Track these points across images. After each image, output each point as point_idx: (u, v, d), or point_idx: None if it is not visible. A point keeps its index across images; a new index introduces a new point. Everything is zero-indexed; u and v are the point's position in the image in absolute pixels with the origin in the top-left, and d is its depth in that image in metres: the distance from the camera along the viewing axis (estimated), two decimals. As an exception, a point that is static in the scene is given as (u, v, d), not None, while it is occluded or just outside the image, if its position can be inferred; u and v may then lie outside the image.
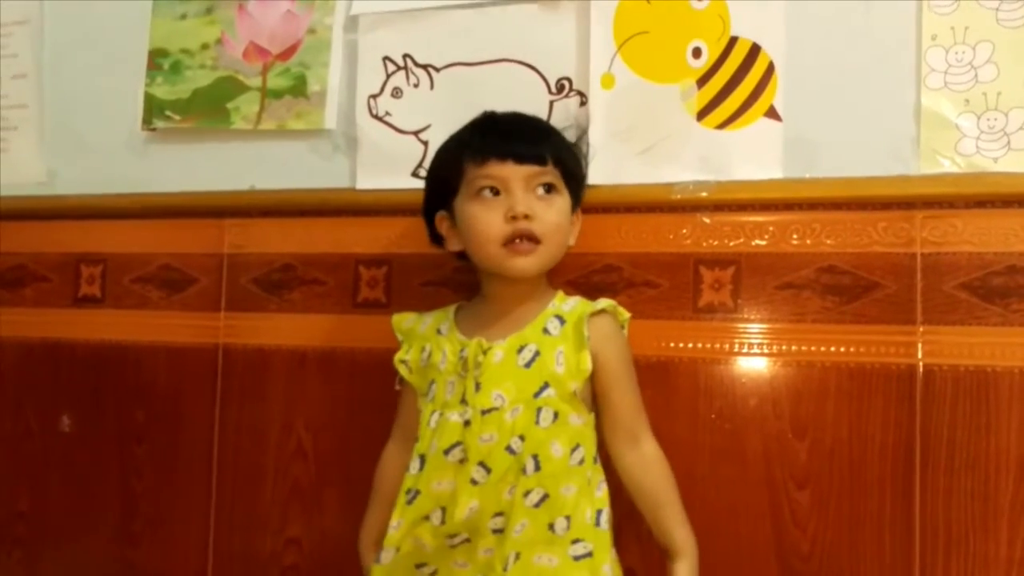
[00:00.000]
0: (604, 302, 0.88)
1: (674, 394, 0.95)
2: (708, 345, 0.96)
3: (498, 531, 0.83)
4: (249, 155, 1.15)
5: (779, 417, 0.93)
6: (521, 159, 0.85)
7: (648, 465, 0.87)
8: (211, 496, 1.13)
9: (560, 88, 1.03)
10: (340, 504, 1.07)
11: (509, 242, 0.84)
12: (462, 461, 0.83)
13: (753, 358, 0.95)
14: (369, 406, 1.06)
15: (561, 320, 0.87)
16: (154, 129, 1.20)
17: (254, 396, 1.12)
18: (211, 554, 1.13)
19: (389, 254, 1.08)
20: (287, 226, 1.13)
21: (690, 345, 0.97)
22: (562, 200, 0.88)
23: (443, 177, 0.89)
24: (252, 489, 1.12)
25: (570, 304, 0.89)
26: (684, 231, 0.98)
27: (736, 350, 0.95)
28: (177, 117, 1.18)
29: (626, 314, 0.90)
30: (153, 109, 1.19)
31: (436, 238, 0.93)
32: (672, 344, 0.97)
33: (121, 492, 1.17)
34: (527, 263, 0.85)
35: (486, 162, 0.85)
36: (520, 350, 0.85)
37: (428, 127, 1.07)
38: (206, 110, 1.17)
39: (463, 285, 1.01)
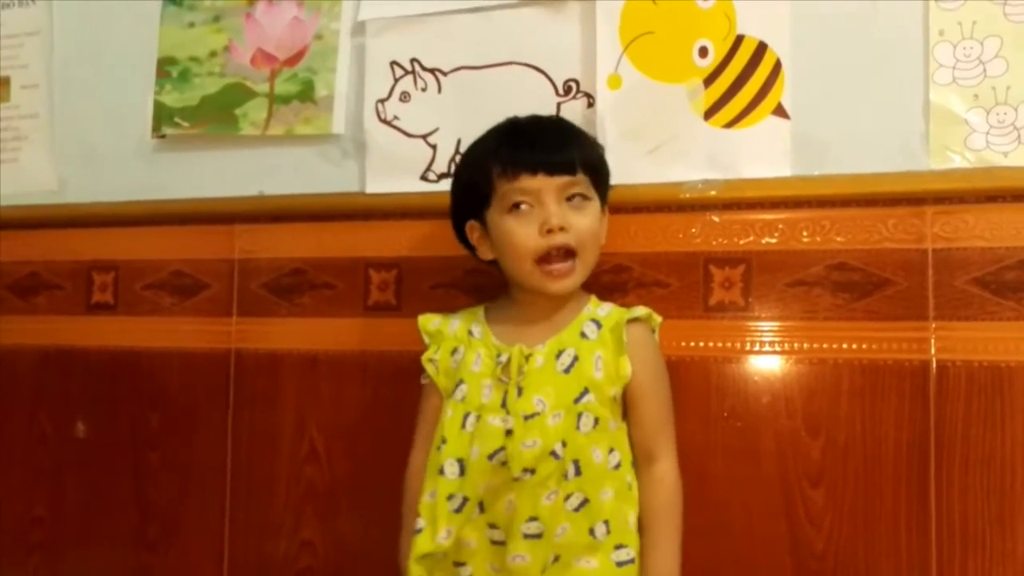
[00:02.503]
0: (640, 310, 0.88)
1: (686, 393, 0.95)
2: (719, 344, 0.96)
3: (531, 536, 0.82)
4: (258, 161, 1.16)
5: (792, 415, 0.93)
6: (552, 170, 0.84)
7: (651, 486, 0.85)
8: (225, 499, 1.14)
9: (567, 90, 1.03)
10: (354, 506, 1.07)
11: (544, 258, 0.84)
12: (504, 464, 0.82)
13: (765, 356, 0.95)
14: (381, 408, 1.06)
15: (598, 324, 0.87)
16: (164, 136, 1.20)
17: (267, 400, 1.13)
18: (226, 557, 1.13)
19: (399, 257, 1.09)
20: (297, 231, 1.13)
21: (701, 344, 0.97)
22: (593, 205, 0.87)
23: (473, 189, 0.88)
24: (266, 492, 1.12)
25: (605, 309, 0.89)
26: (694, 230, 0.98)
27: (747, 348, 0.95)
28: (186, 124, 1.19)
29: (658, 319, 0.90)
30: (162, 117, 1.20)
31: (467, 245, 0.92)
32: (683, 343, 0.97)
33: (136, 497, 1.18)
34: (565, 284, 0.85)
35: (518, 176, 0.84)
36: (559, 355, 0.85)
37: (436, 130, 1.07)
38: (215, 117, 1.18)
39: (474, 288, 1.01)
